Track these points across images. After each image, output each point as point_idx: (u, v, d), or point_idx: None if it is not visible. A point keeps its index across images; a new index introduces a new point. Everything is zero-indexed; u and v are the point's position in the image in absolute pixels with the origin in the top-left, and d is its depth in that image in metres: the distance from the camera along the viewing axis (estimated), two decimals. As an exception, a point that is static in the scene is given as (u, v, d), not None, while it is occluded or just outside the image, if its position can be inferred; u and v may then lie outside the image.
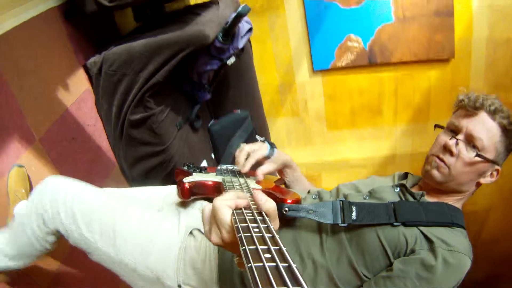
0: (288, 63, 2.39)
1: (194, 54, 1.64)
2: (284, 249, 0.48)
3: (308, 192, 1.19)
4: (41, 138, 1.41)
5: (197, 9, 1.70)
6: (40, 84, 1.46)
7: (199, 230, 1.03)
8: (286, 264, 0.44)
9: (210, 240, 0.64)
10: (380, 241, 0.93)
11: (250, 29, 1.82)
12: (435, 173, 1.04)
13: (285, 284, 0.40)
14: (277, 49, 2.36)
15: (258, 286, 0.39)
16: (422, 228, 0.93)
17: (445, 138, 1.05)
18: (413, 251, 0.90)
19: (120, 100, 1.57)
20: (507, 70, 2.36)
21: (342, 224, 0.96)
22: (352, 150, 2.63)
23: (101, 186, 1.70)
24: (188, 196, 1.05)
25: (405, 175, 1.22)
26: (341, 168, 2.70)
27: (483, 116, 1.01)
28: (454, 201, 1.06)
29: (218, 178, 1.08)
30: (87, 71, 1.68)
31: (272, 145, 1.15)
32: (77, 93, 1.67)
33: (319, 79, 2.40)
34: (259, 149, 1.13)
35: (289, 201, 0.98)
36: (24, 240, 1.05)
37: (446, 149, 1.03)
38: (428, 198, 1.05)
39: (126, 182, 1.84)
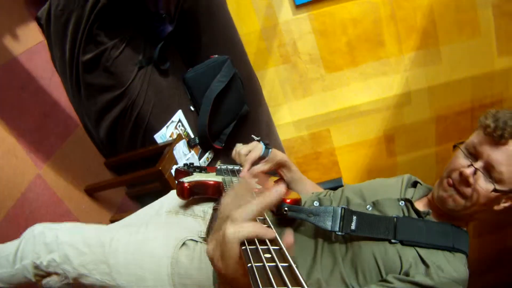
0: (267, 4, 2.14)
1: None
2: (284, 249, 0.48)
3: (312, 193, 1.17)
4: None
5: None
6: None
7: (193, 240, 1.02)
8: (286, 264, 0.44)
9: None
10: (375, 258, 0.90)
11: None
12: (449, 202, 0.97)
13: (285, 284, 0.40)
14: (252, -9, 2.12)
15: (258, 286, 0.40)
16: (419, 250, 0.90)
17: (462, 164, 0.96)
18: (407, 274, 0.86)
19: (71, 40, 1.49)
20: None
21: (339, 233, 0.93)
22: (358, 93, 2.32)
23: (60, 147, 1.57)
24: (188, 196, 1.06)
25: (414, 184, 1.13)
26: (350, 117, 2.39)
27: (510, 147, 0.91)
28: (462, 223, 1.00)
29: (219, 178, 1.10)
30: (39, 22, 1.62)
31: (267, 145, 1.16)
32: (28, 44, 1.61)
33: (305, 15, 2.13)
34: (253, 150, 1.13)
35: (288, 200, 0.96)
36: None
37: (462, 177, 0.94)
38: (434, 218, 1.00)
39: (94, 145, 1.65)
